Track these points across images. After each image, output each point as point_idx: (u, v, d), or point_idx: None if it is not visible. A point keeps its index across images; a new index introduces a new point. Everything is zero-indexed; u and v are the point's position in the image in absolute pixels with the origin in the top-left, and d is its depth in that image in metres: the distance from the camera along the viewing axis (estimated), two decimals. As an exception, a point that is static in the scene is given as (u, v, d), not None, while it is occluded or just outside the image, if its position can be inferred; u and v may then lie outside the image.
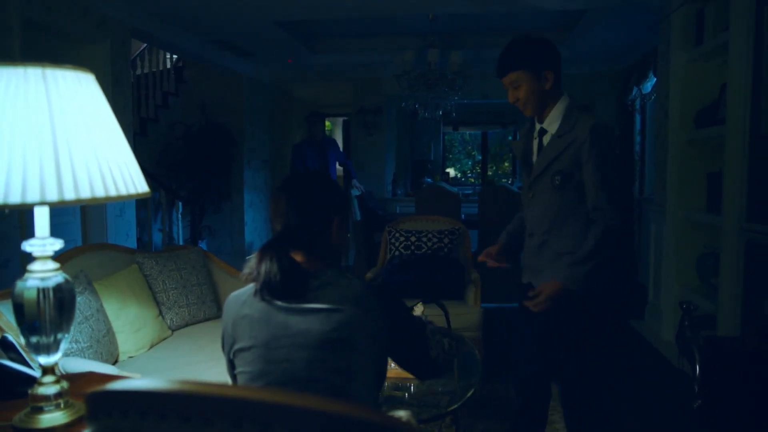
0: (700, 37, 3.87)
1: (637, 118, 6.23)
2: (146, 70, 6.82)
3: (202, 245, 6.31)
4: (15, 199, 1.15)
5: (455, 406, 1.93)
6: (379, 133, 7.76)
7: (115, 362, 2.39)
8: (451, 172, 10.30)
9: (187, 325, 2.90)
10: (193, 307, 2.91)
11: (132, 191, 1.33)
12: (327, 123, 10.35)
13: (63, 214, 4.17)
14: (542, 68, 1.97)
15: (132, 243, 4.75)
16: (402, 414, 1.55)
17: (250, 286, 1.35)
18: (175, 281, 2.87)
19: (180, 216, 5.76)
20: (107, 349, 2.33)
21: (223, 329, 1.41)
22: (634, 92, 6.09)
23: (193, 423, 0.76)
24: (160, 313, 2.77)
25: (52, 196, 1.19)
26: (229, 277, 3.20)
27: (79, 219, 4.31)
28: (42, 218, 1.37)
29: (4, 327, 1.93)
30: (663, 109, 4.32)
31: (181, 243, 5.81)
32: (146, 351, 2.57)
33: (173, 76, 6.79)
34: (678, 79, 4.08)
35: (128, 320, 2.51)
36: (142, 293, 2.67)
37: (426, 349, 1.45)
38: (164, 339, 2.71)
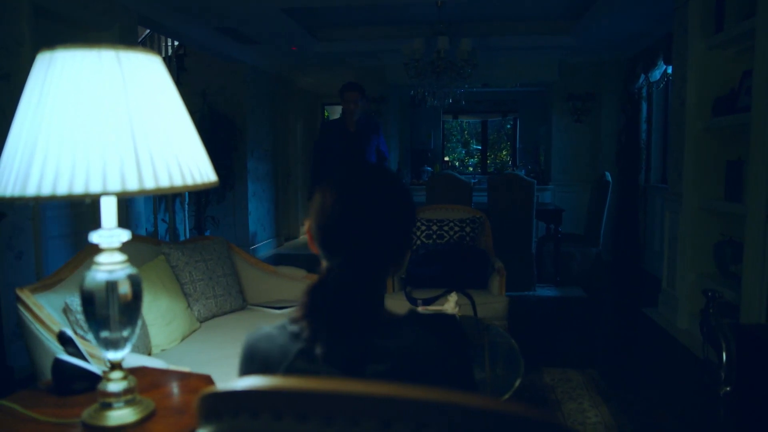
0: (718, 25, 3.86)
1: (644, 105, 6.22)
2: (147, 58, 6.69)
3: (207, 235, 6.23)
4: (96, 188, 1.08)
5: (506, 395, 1.91)
6: (383, 121, 7.70)
7: (148, 355, 2.34)
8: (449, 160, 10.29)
9: (214, 316, 2.85)
10: (220, 298, 2.86)
11: (206, 179, 1.28)
12: (326, 112, 10.25)
13: (74, 205, 4.06)
14: None
15: (140, 234, 4.67)
16: None
17: (279, 332, 0.94)
18: (201, 272, 2.82)
19: (186, 206, 5.68)
20: (143, 342, 2.28)
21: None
22: (641, 80, 6.07)
23: (336, 424, 0.72)
24: (189, 305, 2.72)
25: (132, 186, 1.12)
26: (252, 268, 3.15)
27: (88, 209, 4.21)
28: (109, 208, 1.31)
29: (45, 319, 1.87)
30: (679, 98, 4.31)
31: (187, 234, 5.73)
32: (178, 344, 2.51)
33: (175, 64, 6.67)
34: (695, 67, 4.07)
35: (160, 313, 2.45)
36: (171, 285, 2.61)
37: None
38: (194, 331, 2.66)
